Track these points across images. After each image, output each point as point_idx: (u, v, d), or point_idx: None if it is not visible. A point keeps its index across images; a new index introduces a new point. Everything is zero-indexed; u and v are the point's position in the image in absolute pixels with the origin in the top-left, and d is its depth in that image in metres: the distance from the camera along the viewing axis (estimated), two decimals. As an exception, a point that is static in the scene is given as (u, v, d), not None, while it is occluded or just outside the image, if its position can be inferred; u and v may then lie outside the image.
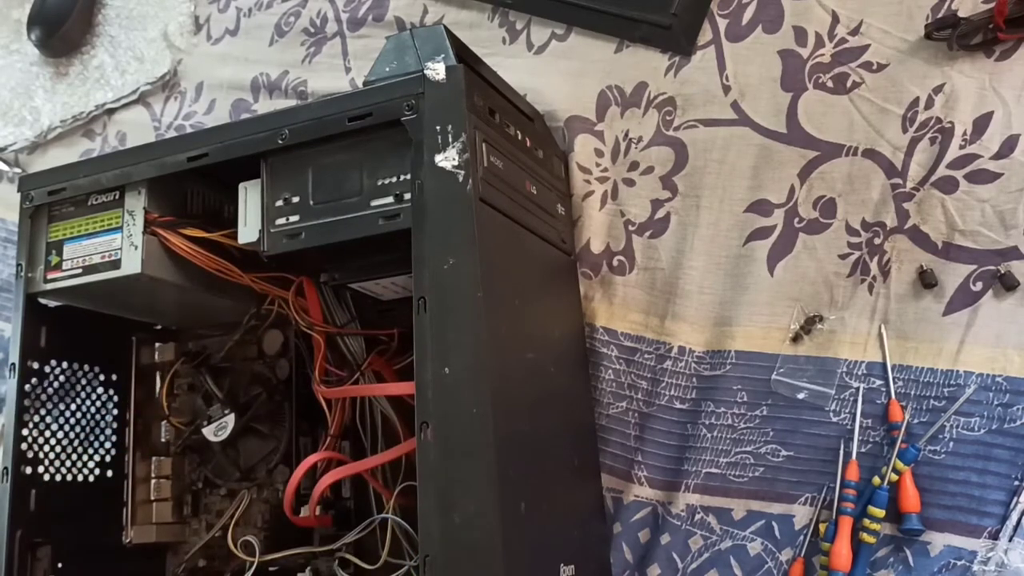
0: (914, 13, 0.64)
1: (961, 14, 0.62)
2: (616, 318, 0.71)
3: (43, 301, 0.70)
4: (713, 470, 0.66)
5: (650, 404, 0.69)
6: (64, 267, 0.67)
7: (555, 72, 0.76)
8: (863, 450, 0.62)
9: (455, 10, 0.83)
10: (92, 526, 0.70)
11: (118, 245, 0.65)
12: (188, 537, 0.70)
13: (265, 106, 0.92)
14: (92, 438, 0.73)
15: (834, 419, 0.63)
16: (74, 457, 0.71)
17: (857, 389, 0.63)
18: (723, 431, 0.66)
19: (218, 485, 0.70)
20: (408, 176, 0.56)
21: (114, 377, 0.76)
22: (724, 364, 0.67)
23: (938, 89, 0.63)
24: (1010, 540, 0.57)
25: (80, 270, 0.67)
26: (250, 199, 0.62)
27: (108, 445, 0.74)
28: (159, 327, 0.79)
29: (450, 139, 0.55)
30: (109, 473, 0.73)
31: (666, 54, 0.72)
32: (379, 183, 0.57)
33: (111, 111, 1.03)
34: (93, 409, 0.73)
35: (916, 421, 0.61)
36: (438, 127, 0.55)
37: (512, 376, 0.55)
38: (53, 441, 0.69)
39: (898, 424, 0.61)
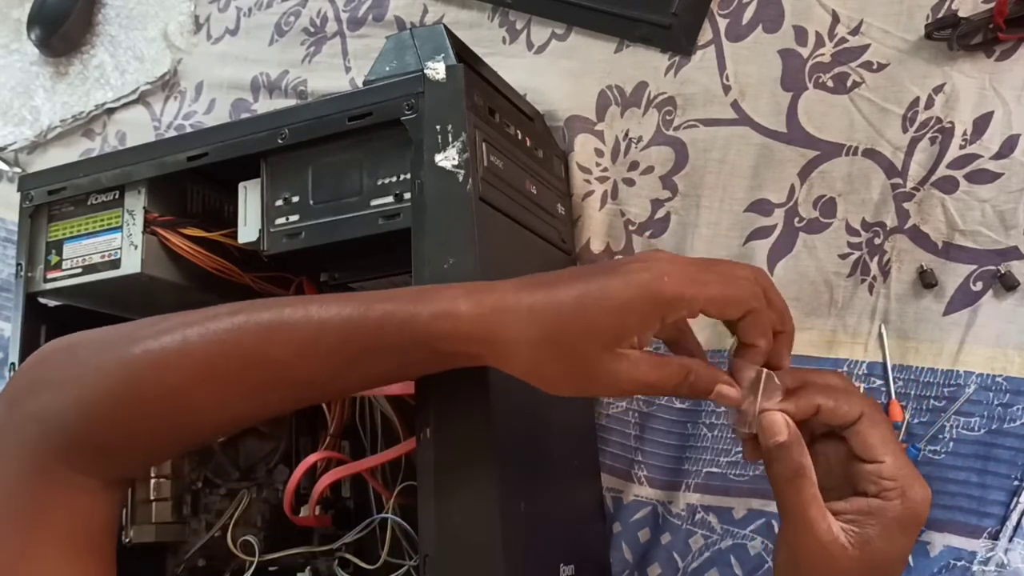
0: (914, 13, 0.64)
1: (961, 14, 0.62)
2: (616, 318, 0.71)
3: (43, 300, 0.70)
4: (714, 469, 0.66)
5: (650, 403, 0.69)
6: (64, 266, 0.67)
7: (555, 72, 0.76)
8: (863, 450, 0.62)
9: (455, 10, 0.83)
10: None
11: (118, 245, 0.65)
12: (188, 537, 0.69)
13: (265, 106, 0.92)
14: (92, 438, 0.72)
15: (834, 419, 0.63)
16: (74, 457, 0.70)
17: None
18: (723, 430, 0.66)
19: (218, 485, 0.70)
20: (408, 176, 0.56)
21: (114, 377, 0.75)
22: (724, 364, 0.66)
23: (938, 89, 0.63)
24: (1010, 540, 0.57)
25: (80, 269, 0.67)
26: (250, 199, 0.62)
27: (108, 445, 0.74)
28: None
29: (450, 139, 0.55)
30: (109, 473, 0.73)
31: (666, 54, 0.72)
32: (379, 183, 0.57)
33: (111, 111, 1.03)
34: (93, 409, 0.73)
35: (916, 421, 0.61)
36: (438, 127, 0.55)
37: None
38: (53, 441, 0.69)
39: (898, 424, 0.61)
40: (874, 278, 0.64)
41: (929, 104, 0.63)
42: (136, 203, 0.65)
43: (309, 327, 0.46)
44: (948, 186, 0.62)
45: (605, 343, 0.44)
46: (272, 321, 0.46)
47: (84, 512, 0.47)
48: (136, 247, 0.65)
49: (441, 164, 0.54)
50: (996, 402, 0.59)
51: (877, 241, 0.64)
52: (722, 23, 0.70)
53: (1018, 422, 0.58)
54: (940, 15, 0.63)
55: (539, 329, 0.44)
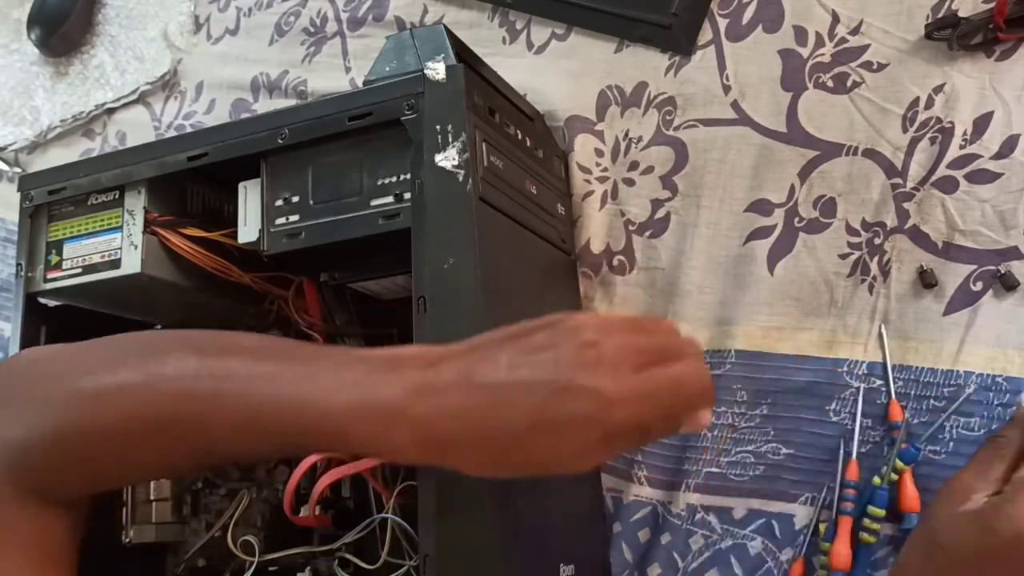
0: (914, 13, 0.64)
1: (961, 14, 0.62)
2: (616, 318, 0.71)
3: (43, 300, 0.69)
4: (714, 469, 0.66)
5: (650, 404, 0.69)
6: (64, 267, 0.67)
7: (555, 72, 0.76)
8: (863, 450, 0.62)
9: (455, 10, 0.83)
10: (91, 526, 0.70)
11: (118, 245, 0.65)
12: (188, 537, 0.69)
13: (265, 106, 0.92)
14: (92, 438, 0.72)
15: (834, 419, 0.63)
16: (74, 457, 0.70)
17: (858, 389, 0.63)
18: (723, 430, 0.66)
19: (218, 485, 0.70)
20: (408, 176, 0.56)
21: (114, 377, 0.75)
22: (724, 363, 0.67)
23: (938, 89, 0.63)
24: (1010, 540, 0.57)
25: (80, 269, 0.67)
26: (250, 199, 0.62)
27: (108, 445, 0.74)
28: (159, 327, 0.79)
29: (450, 139, 0.55)
30: (109, 473, 0.73)
31: (666, 54, 0.72)
32: (379, 183, 0.57)
33: (111, 111, 1.03)
34: (93, 409, 0.73)
35: (916, 421, 0.61)
36: (438, 127, 0.55)
37: (512, 376, 0.55)
38: (53, 441, 0.69)
39: (898, 424, 0.61)
40: (874, 278, 0.64)
41: (929, 104, 0.63)
42: (136, 203, 0.65)
43: (244, 411, 0.45)
44: (948, 186, 0.62)
45: (556, 467, 0.44)
46: (208, 395, 0.45)
47: (38, 529, 0.47)
48: (136, 247, 0.65)
49: (441, 164, 0.54)
50: (996, 402, 0.59)
51: (877, 241, 0.64)
52: (722, 23, 0.70)
53: (1018, 422, 0.58)
54: (940, 15, 0.63)
55: (487, 456, 0.44)
